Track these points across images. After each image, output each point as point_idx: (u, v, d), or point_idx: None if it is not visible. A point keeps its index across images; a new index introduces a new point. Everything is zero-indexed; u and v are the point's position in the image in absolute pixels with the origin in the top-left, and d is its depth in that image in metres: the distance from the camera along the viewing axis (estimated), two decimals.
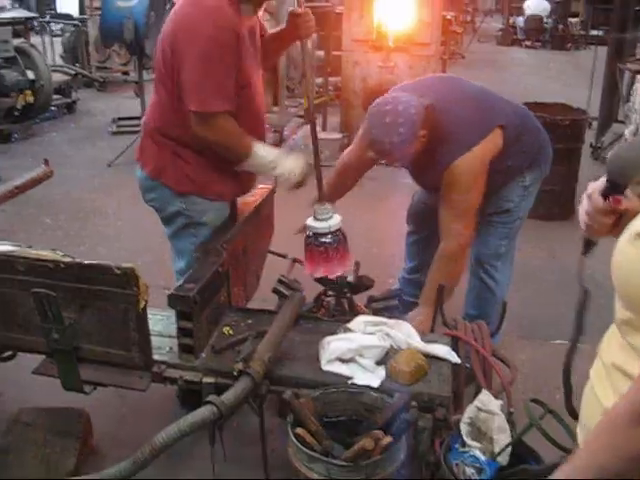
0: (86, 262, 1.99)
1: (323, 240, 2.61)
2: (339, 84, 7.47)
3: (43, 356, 2.24)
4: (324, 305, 2.89)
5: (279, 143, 7.33)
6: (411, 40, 6.47)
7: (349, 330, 2.24)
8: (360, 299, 2.89)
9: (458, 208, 2.80)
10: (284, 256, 3.26)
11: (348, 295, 2.88)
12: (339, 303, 2.87)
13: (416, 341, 2.19)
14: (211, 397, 1.84)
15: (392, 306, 2.81)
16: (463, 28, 14.60)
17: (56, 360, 2.11)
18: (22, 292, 2.01)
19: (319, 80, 7.93)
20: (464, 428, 1.92)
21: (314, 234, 2.63)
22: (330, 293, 2.90)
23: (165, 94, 2.42)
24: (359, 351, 2.10)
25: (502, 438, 1.91)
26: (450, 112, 2.78)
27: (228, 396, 1.87)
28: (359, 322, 2.27)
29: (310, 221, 2.66)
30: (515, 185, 3.04)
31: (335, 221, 2.66)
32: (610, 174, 1.30)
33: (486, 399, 1.99)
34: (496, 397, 2.04)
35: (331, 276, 2.69)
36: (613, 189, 1.30)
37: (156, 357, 2.15)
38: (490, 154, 2.80)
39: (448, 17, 8.62)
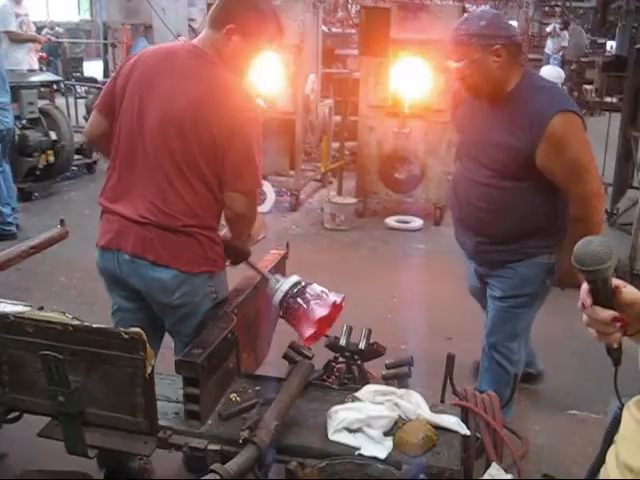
0: (94, 326, 1.99)
1: (298, 298, 2.52)
2: (355, 149, 7.55)
3: (49, 417, 2.23)
4: (334, 372, 2.86)
5: (295, 206, 7.39)
6: (426, 107, 6.55)
7: (357, 399, 2.20)
8: (375, 365, 2.85)
9: (574, 168, 2.69)
10: None
11: (359, 362, 2.85)
12: (350, 370, 2.84)
13: (425, 411, 2.15)
14: (215, 466, 1.80)
15: (403, 373, 2.77)
16: None
17: (61, 423, 2.09)
18: (30, 354, 2.01)
19: (335, 145, 8.04)
20: None
21: (286, 298, 2.53)
22: (340, 360, 2.87)
23: (203, 186, 2.37)
24: (367, 421, 2.06)
25: None
26: (540, 77, 2.94)
27: (232, 465, 1.82)
28: (368, 391, 2.23)
29: (275, 296, 2.56)
30: (539, 263, 2.92)
31: (294, 277, 2.60)
32: (584, 274, 1.27)
33: (496, 473, 1.94)
34: (507, 471, 2.00)
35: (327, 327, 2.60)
36: (595, 286, 1.27)
37: (162, 422, 2.12)
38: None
39: None
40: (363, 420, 2.06)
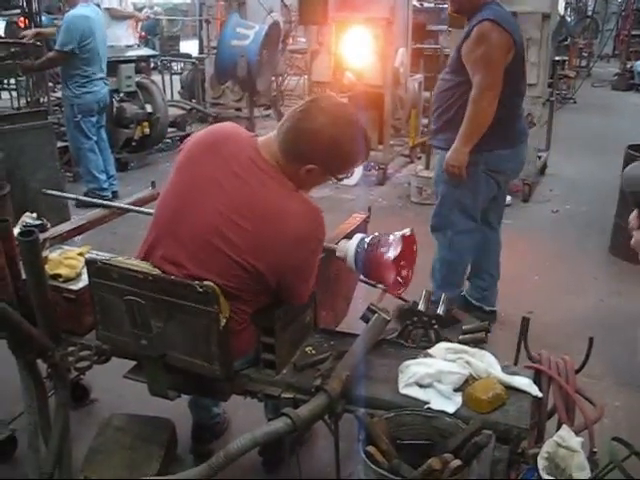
0: (171, 277, 2.07)
1: (368, 249, 2.55)
2: None
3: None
4: (410, 336, 2.88)
5: (382, 180, 7.40)
6: None
7: (429, 355, 2.23)
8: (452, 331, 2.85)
9: (480, 61, 3.43)
10: (374, 285, 3.28)
11: (435, 327, 2.85)
12: (426, 334, 2.86)
13: (497, 371, 2.16)
14: (287, 409, 1.87)
15: (479, 339, 2.76)
16: (576, 72, 14.31)
17: (144, 366, 2.21)
18: (116, 298, 2.12)
19: (425, 121, 7.98)
20: (541, 463, 1.85)
21: (357, 256, 2.57)
22: (418, 324, 2.88)
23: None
24: (437, 376, 2.08)
25: (581, 476, 1.84)
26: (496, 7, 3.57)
27: (303, 410, 1.89)
28: (440, 348, 2.26)
29: (347, 259, 2.59)
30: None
31: (357, 235, 2.64)
32: (632, 197, 1.31)
33: (566, 435, 1.92)
34: (577, 434, 1.98)
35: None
36: None
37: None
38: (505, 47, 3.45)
39: (557, 59, 8.52)
40: (434, 375, 2.08)
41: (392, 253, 2.51)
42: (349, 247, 2.60)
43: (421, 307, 2.83)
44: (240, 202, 2.09)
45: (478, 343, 2.66)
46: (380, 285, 3.22)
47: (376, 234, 2.64)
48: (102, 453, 2.42)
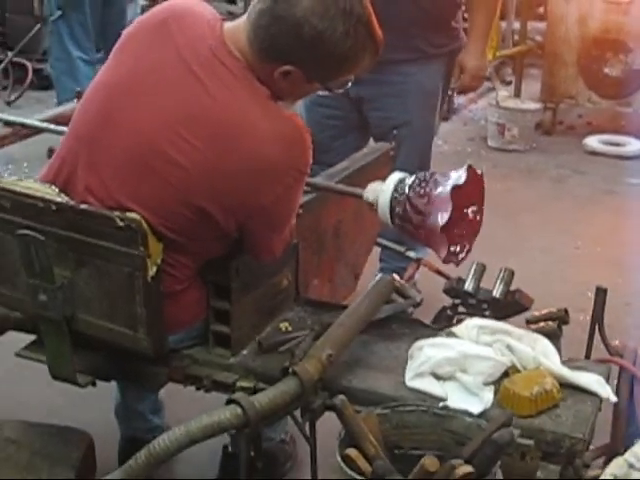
0: (82, 206, 2.21)
1: (410, 194, 2.61)
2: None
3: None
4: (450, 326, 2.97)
5: (446, 114, 7.44)
6: None
7: (453, 335, 2.35)
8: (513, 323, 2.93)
9: None
10: (401, 252, 3.35)
11: (487, 314, 2.92)
12: None
13: (552, 362, 2.26)
14: (237, 395, 2.00)
15: (550, 331, 2.84)
16: None
17: (43, 333, 2.34)
18: (7, 235, 2.27)
19: (516, 25, 8.10)
20: None
21: (394, 207, 2.64)
22: (462, 310, 2.96)
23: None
24: (461, 363, 2.20)
25: None
26: None
27: (262, 398, 2.00)
28: (470, 326, 2.37)
29: (380, 210, 2.69)
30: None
31: (394, 175, 2.71)
32: None
33: None
34: None
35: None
36: None
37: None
38: None
39: None
40: (456, 361, 2.20)
41: (450, 185, 2.56)
42: (382, 191, 2.67)
43: (469, 286, 2.92)
44: (193, 110, 2.26)
45: (549, 338, 2.76)
46: (411, 252, 3.34)
47: (421, 175, 2.68)
48: None
